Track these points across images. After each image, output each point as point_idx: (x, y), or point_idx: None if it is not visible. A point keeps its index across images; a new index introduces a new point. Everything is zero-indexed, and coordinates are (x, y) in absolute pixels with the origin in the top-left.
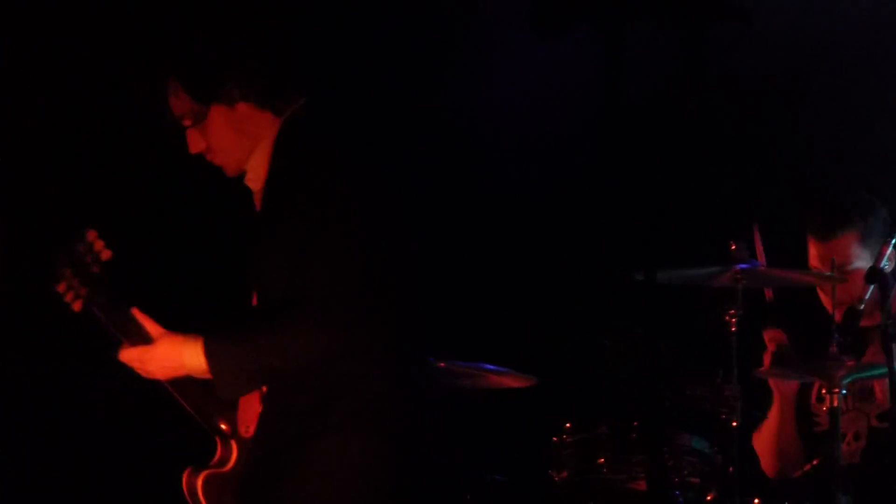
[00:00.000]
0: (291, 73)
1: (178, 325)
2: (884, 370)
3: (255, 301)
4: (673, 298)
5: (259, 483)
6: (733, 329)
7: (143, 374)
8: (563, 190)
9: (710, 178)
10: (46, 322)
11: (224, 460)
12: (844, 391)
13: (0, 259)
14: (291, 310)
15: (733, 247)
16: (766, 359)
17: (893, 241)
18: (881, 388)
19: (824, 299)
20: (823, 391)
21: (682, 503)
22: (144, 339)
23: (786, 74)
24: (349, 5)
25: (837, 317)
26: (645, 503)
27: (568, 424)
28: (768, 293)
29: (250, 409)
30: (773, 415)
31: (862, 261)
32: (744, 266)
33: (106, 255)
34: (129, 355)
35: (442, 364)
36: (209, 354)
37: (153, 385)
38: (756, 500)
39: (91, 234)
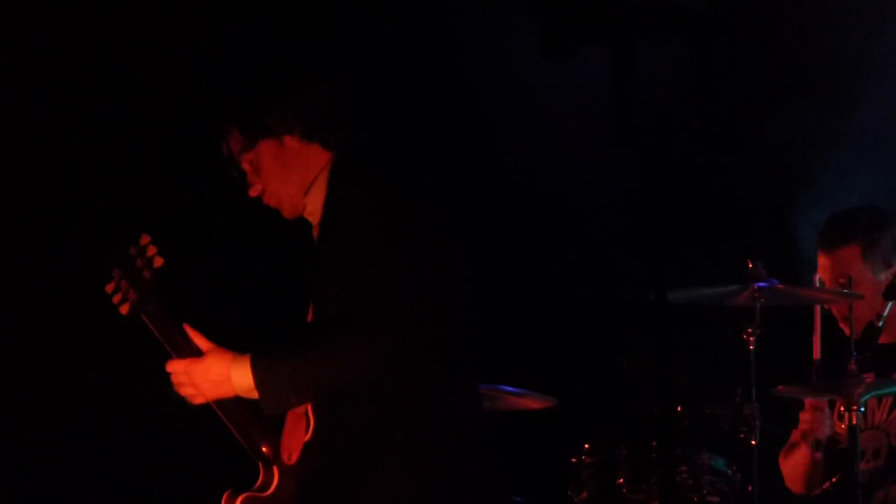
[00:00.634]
0: (337, 103)
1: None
2: None
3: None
4: (691, 317)
5: None
6: (751, 347)
7: (190, 393)
8: (584, 211)
9: (725, 196)
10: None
11: (266, 485)
12: (863, 409)
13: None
14: (344, 324)
15: (750, 265)
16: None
17: None
18: None
19: (837, 316)
20: (843, 409)
21: None
22: (194, 353)
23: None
24: (376, 30)
25: (856, 334)
26: None
27: (587, 445)
28: (816, 351)
29: (294, 438)
30: (803, 449)
31: (866, 275)
32: (762, 284)
33: (158, 261)
34: (176, 366)
35: None
36: (255, 367)
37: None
38: None
39: (144, 239)
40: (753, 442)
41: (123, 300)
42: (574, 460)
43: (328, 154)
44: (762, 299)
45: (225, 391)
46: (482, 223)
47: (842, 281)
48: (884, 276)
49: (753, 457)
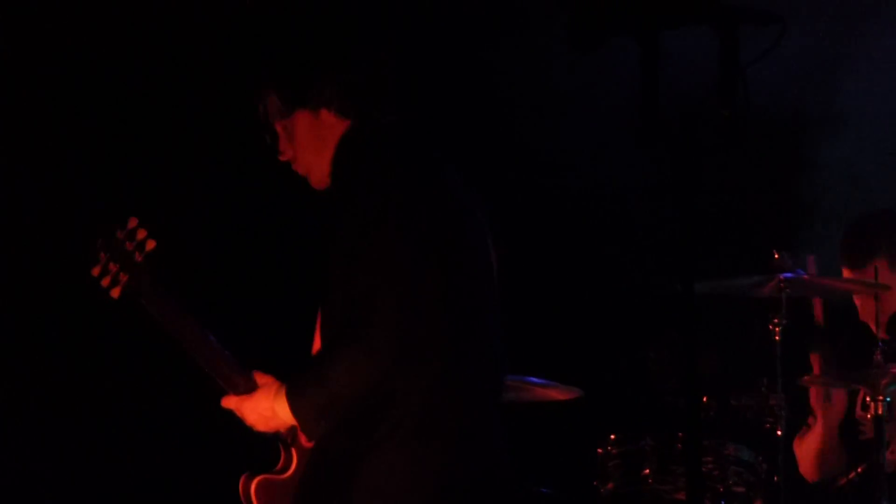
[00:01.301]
0: (377, 85)
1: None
2: None
3: (318, 320)
4: (717, 308)
5: (313, 494)
6: (777, 338)
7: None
8: (608, 202)
9: (752, 187)
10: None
11: (285, 468)
12: (889, 399)
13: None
14: (341, 337)
15: (776, 255)
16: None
17: None
18: None
19: (861, 310)
20: (868, 399)
21: None
22: (198, 340)
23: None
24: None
25: (882, 326)
26: None
27: (613, 436)
28: (818, 315)
29: None
30: (818, 425)
31: (894, 283)
32: (787, 275)
33: (150, 244)
34: (230, 403)
35: None
36: (291, 402)
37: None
38: None
39: (132, 222)
40: (779, 432)
41: (114, 283)
42: (600, 451)
43: None
44: (788, 290)
45: (277, 425)
46: (510, 217)
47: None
48: None
49: (779, 447)
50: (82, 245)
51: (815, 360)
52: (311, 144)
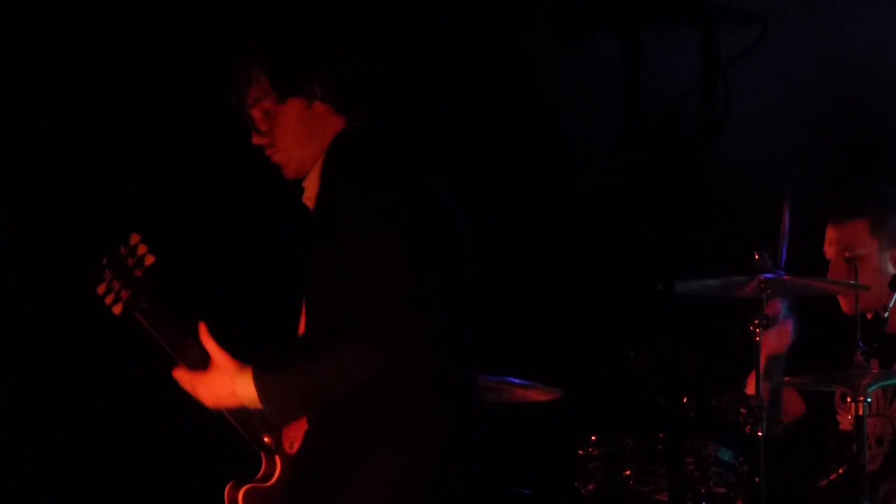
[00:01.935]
0: (376, 83)
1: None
2: None
3: (302, 319)
4: (697, 308)
5: (303, 500)
6: (758, 339)
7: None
8: (587, 201)
9: (731, 187)
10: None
11: (268, 475)
12: (869, 399)
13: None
14: (340, 333)
15: (756, 256)
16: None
17: None
18: None
19: (844, 305)
20: (849, 399)
21: None
22: (194, 354)
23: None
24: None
25: (861, 324)
26: None
27: (594, 437)
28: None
29: (296, 426)
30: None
31: (872, 250)
32: (768, 275)
33: (149, 259)
34: (181, 376)
35: None
36: (258, 381)
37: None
38: None
39: (134, 238)
40: (760, 433)
41: (116, 300)
42: (581, 452)
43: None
44: (768, 290)
45: (230, 404)
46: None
47: (847, 255)
48: (889, 255)
49: (760, 448)
50: (86, 260)
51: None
52: (299, 135)
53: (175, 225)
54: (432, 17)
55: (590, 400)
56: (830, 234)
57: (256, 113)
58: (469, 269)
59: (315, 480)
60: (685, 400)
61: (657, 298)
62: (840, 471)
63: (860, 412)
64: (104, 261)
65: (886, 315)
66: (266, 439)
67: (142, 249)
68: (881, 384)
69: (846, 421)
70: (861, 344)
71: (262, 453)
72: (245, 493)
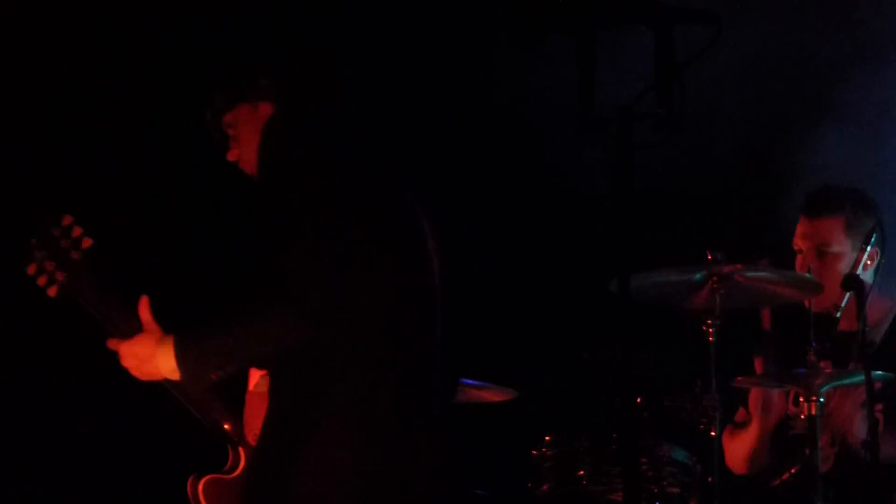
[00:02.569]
0: (316, 79)
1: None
2: (861, 378)
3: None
4: (651, 309)
5: (254, 488)
6: (711, 339)
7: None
8: (541, 202)
9: (684, 188)
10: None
11: (233, 467)
12: (822, 399)
13: None
14: (267, 298)
15: (710, 256)
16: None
17: (868, 249)
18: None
19: (805, 301)
20: (802, 399)
21: None
22: (135, 332)
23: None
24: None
25: (814, 323)
26: None
27: (547, 437)
28: (766, 323)
29: (258, 418)
30: (754, 427)
31: (845, 249)
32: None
33: (87, 242)
34: (111, 345)
35: None
36: (177, 344)
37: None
38: None
39: (67, 219)
40: (713, 433)
41: (50, 282)
42: (534, 452)
43: None
44: (721, 291)
45: (150, 371)
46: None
47: (822, 249)
48: (855, 257)
49: (713, 448)
50: (16, 242)
51: (758, 364)
52: (251, 137)
53: (120, 205)
54: (394, 20)
55: (544, 400)
56: (804, 226)
57: (228, 131)
58: (430, 265)
59: (264, 468)
60: (639, 400)
61: (610, 299)
62: (793, 470)
63: (813, 412)
64: (33, 242)
65: (838, 315)
66: (226, 426)
67: (77, 231)
68: (835, 384)
69: (797, 422)
70: (814, 343)
71: (229, 445)
72: (205, 484)
